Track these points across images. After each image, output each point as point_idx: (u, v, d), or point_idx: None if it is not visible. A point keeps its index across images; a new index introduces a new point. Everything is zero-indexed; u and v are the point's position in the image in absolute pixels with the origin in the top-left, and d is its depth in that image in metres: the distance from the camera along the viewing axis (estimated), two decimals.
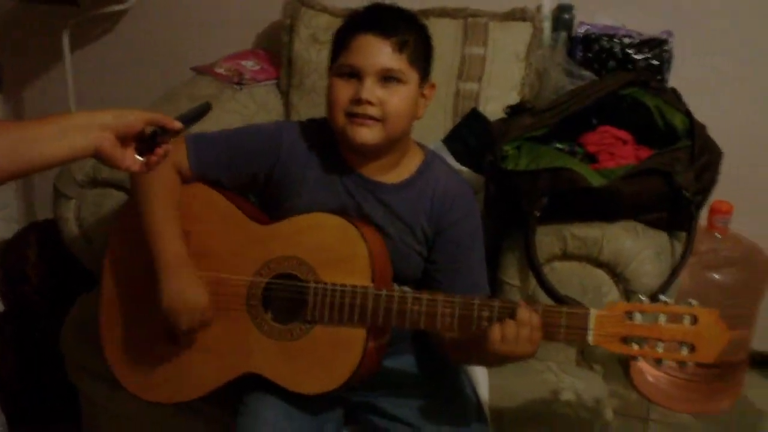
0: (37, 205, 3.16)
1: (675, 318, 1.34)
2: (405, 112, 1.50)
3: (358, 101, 1.48)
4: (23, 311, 2.29)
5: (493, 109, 2.17)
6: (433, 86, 1.58)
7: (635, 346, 1.35)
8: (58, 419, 2.30)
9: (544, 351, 1.78)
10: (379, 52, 1.47)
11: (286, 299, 1.54)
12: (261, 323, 1.55)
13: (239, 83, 2.42)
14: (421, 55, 1.52)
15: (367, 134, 1.49)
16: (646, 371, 2.51)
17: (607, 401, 1.74)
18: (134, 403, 1.66)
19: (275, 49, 2.55)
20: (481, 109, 2.22)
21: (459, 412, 1.60)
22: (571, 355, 1.79)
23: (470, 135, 2.11)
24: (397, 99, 1.49)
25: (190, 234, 1.58)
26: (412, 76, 1.50)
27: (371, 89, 1.47)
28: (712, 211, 2.31)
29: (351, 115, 1.49)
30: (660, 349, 1.35)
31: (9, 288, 2.29)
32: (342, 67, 1.51)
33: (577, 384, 1.72)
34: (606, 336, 1.36)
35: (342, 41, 1.52)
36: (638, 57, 2.15)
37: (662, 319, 1.35)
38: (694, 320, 1.34)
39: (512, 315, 1.38)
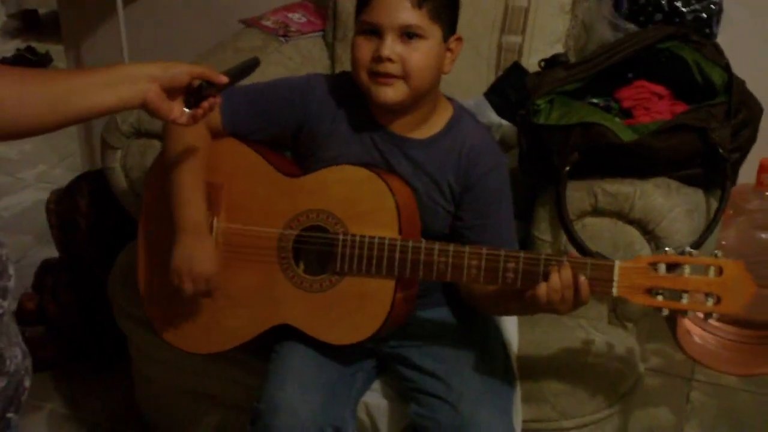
0: (98, 155, 3.23)
1: (700, 269, 1.34)
2: (427, 67, 1.50)
3: (378, 59, 1.48)
4: (76, 258, 2.36)
5: (537, 62, 2.13)
6: (459, 39, 1.57)
7: (659, 298, 1.35)
8: (112, 363, 2.39)
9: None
10: (399, 8, 1.47)
11: (316, 251, 1.57)
12: (292, 275, 1.58)
13: (285, 35, 2.44)
14: (444, 9, 1.51)
15: (390, 93, 1.50)
16: (693, 332, 2.49)
17: (638, 359, 1.73)
18: (174, 351, 1.71)
19: (323, 2, 2.55)
20: (524, 62, 2.20)
21: (486, 365, 1.62)
22: (603, 312, 1.78)
23: (511, 89, 2.10)
24: (418, 55, 1.48)
25: (222, 187, 1.61)
26: (434, 30, 1.50)
27: (391, 46, 1.47)
28: (762, 168, 2.25)
29: (374, 74, 1.50)
30: (685, 300, 1.35)
31: (62, 236, 2.36)
32: (363, 25, 1.51)
33: (607, 341, 1.71)
34: (630, 287, 1.36)
35: None
36: (685, 9, 2.09)
37: (687, 270, 1.34)
38: (720, 271, 1.34)
39: (547, 264, 1.40)
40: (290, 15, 2.56)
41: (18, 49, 4.85)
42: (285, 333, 1.61)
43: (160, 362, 2.00)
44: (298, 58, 2.38)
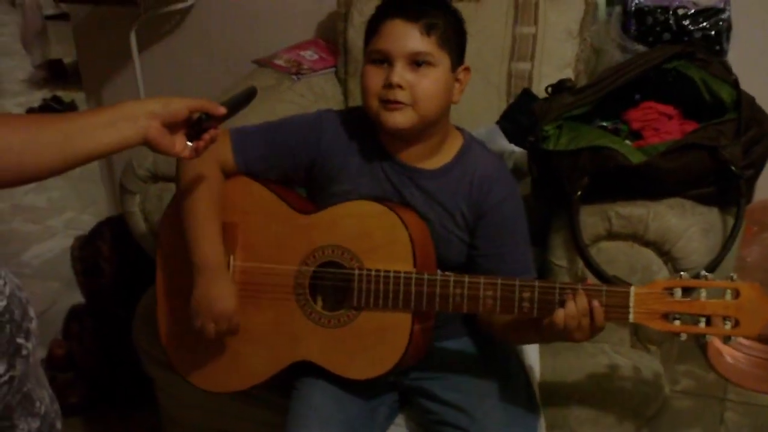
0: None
1: (716, 293, 1.33)
2: (436, 94, 1.51)
3: (388, 86, 1.49)
4: (101, 303, 2.39)
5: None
6: (467, 70, 1.58)
7: (677, 323, 1.35)
8: (139, 406, 2.40)
9: None
10: (408, 36, 1.48)
11: (333, 287, 1.58)
12: (309, 311, 1.59)
13: (297, 73, 2.47)
14: (452, 38, 1.52)
15: (399, 118, 1.50)
16: (724, 351, 2.46)
17: (663, 382, 1.72)
18: (197, 391, 1.71)
19: (334, 39, 2.58)
20: (534, 88, 2.21)
21: (509, 395, 1.61)
22: (626, 336, 1.77)
23: (522, 115, 2.10)
24: (427, 82, 1.49)
25: (237, 226, 1.63)
26: (443, 58, 1.51)
27: (401, 73, 1.49)
28: None
29: (384, 102, 1.51)
30: (702, 324, 1.34)
31: (87, 281, 2.39)
32: (373, 53, 1.53)
33: (630, 366, 1.70)
34: (646, 313, 1.36)
35: (373, 28, 1.54)
36: (693, 28, 2.09)
37: (703, 294, 1.34)
38: (736, 294, 1.33)
39: (563, 294, 1.40)
40: (302, 53, 2.59)
41: (44, 99, 4.95)
42: (305, 370, 1.62)
43: (185, 403, 2.01)
44: (311, 96, 2.41)
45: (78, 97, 4.75)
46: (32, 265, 3.33)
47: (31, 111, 4.89)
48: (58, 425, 1.22)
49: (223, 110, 1.34)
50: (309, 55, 2.59)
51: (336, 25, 2.51)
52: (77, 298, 2.61)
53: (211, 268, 1.57)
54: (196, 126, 1.33)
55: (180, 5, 2.79)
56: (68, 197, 3.80)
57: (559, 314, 1.39)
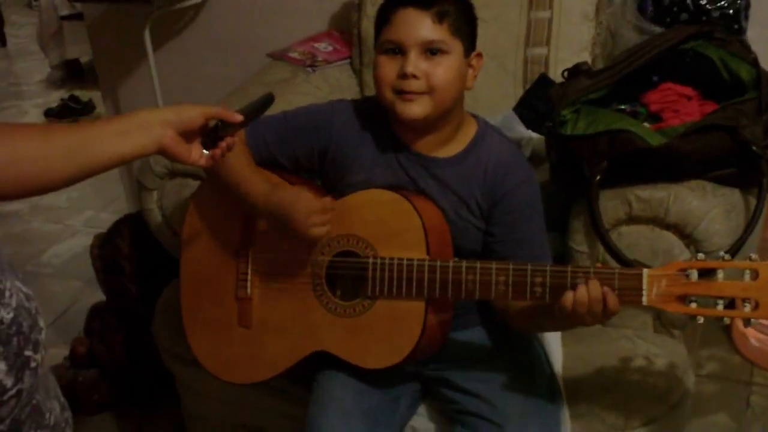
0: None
1: (734, 274, 1.29)
2: (451, 82, 1.49)
3: (403, 76, 1.48)
4: (121, 300, 2.39)
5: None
6: (479, 56, 1.56)
7: (693, 305, 1.31)
8: (162, 403, 2.41)
9: (619, 317, 1.73)
10: (420, 25, 1.47)
11: (349, 276, 1.57)
12: (326, 301, 1.58)
13: (312, 66, 2.46)
14: (463, 25, 1.51)
15: (416, 109, 1.49)
16: (749, 334, 2.43)
17: (687, 367, 1.69)
18: (220, 384, 1.72)
19: (348, 30, 2.57)
20: (551, 73, 2.19)
21: (531, 383, 1.60)
22: (648, 321, 1.75)
23: (540, 101, 2.08)
24: (441, 70, 1.48)
25: (252, 218, 1.62)
26: (456, 46, 1.49)
27: (415, 63, 1.47)
28: None
29: (398, 92, 1.50)
30: (720, 306, 1.30)
31: (107, 279, 2.40)
32: (385, 44, 1.51)
33: (654, 350, 1.68)
34: (661, 296, 1.33)
35: (384, 18, 1.53)
36: (711, 7, 2.05)
37: (721, 275, 1.30)
38: (755, 275, 1.29)
39: (575, 277, 1.37)
40: (316, 45, 2.58)
41: (62, 99, 4.97)
42: (325, 360, 1.61)
43: (208, 398, 2.01)
44: (327, 87, 2.40)
45: (95, 95, 4.77)
46: (53, 264, 3.36)
47: (49, 111, 4.92)
48: None
49: (239, 117, 1.31)
50: (323, 47, 2.57)
51: (350, 15, 2.50)
52: (98, 296, 2.62)
53: (277, 187, 1.56)
54: (212, 134, 1.31)
55: (193, 1, 2.78)
56: (88, 196, 3.82)
57: (568, 298, 1.36)
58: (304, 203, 1.52)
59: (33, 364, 1.08)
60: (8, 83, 5.83)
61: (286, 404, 1.82)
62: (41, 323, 1.11)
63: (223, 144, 1.33)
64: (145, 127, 1.22)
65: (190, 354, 1.75)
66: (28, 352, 1.07)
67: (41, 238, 3.57)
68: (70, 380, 2.40)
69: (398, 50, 1.49)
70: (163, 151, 1.25)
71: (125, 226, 2.37)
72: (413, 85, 1.48)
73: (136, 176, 2.07)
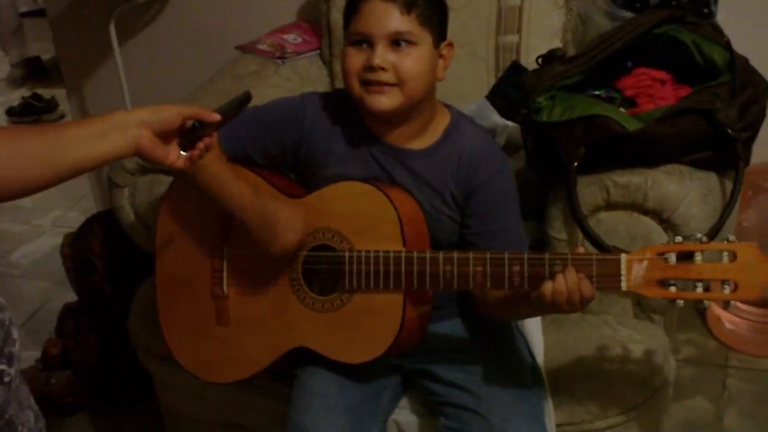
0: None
1: (712, 256, 1.29)
2: (421, 74, 1.48)
3: (370, 68, 1.46)
4: (95, 300, 2.35)
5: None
6: (450, 45, 1.54)
7: (672, 289, 1.31)
8: (139, 401, 2.37)
9: (599, 304, 1.74)
10: (387, 16, 1.45)
11: (327, 271, 1.55)
12: (303, 297, 1.56)
13: (281, 58, 2.43)
14: (433, 15, 1.49)
15: (385, 101, 1.47)
16: (724, 318, 2.45)
17: (668, 352, 1.69)
18: (199, 383, 1.69)
19: (317, 21, 2.55)
20: (523, 60, 2.18)
21: (514, 372, 1.59)
22: (628, 307, 1.75)
23: (512, 89, 2.07)
24: (410, 61, 1.46)
25: (228, 217, 1.60)
26: (425, 36, 1.47)
27: (382, 55, 1.45)
28: None
29: (366, 83, 1.48)
30: (700, 289, 1.30)
31: (79, 278, 2.36)
32: (353, 35, 1.49)
33: (634, 336, 1.68)
34: (640, 281, 1.32)
35: (352, 8, 1.50)
36: None
37: (699, 258, 1.30)
38: (733, 257, 1.29)
39: (553, 264, 1.36)
40: (285, 36, 2.55)
41: (23, 98, 4.88)
42: (305, 356, 1.60)
43: (187, 396, 1.98)
44: (297, 79, 2.38)
45: (58, 93, 4.69)
46: (22, 265, 3.30)
47: (11, 110, 4.84)
48: None
49: (217, 117, 1.28)
50: (292, 38, 2.55)
51: (318, 6, 2.47)
52: (69, 296, 2.58)
53: (255, 199, 1.53)
54: (189, 134, 1.27)
55: None
56: (54, 195, 3.74)
57: (547, 287, 1.35)
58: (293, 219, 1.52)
59: (6, 379, 1.05)
60: None
61: (267, 401, 1.80)
62: (15, 335, 1.08)
63: (201, 145, 1.29)
64: (121, 128, 1.19)
65: (167, 352, 1.72)
66: (1, 366, 1.04)
67: (9, 239, 3.51)
68: (42, 383, 2.36)
69: (366, 42, 1.47)
70: (140, 153, 1.22)
71: (96, 224, 2.33)
72: (381, 76, 1.46)
73: (107, 173, 2.04)
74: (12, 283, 3.15)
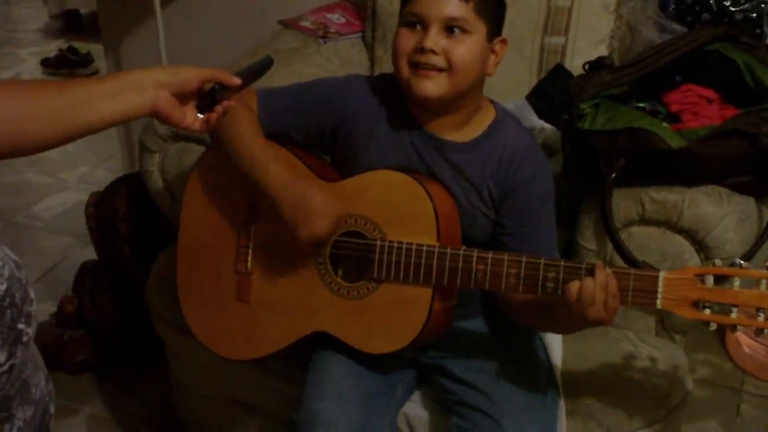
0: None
1: (751, 283, 1.28)
2: (471, 63, 1.46)
3: (421, 50, 1.44)
4: (115, 262, 2.35)
5: (581, 63, 2.08)
6: (504, 41, 1.53)
7: (707, 311, 1.30)
8: (150, 366, 2.38)
9: (622, 319, 1.73)
10: (444, 0, 1.43)
11: (354, 257, 1.54)
12: (329, 281, 1.55)
13: (323, 37, 2.41)
14: (491, 7, 1.47)
15: (431, 86, 1.45)
16: (743, 342, 2.42)
17: (686, 372, 1.67)
18: (211, 356, 1.69)
19: (362, 2, 2.53)
20: (567, 63, 2.16)
21: (530, 378, 1.58)
22: (651, 324, 1.73)
23: (554, 91, 2.05)
24: (462, 49, 1.44)
25: (259, 194, 1.59)
26: (479, 27, 1.45)
27: (435, 38, 1.43)
28: None
29: (415, 66, 1.46)
30: (734, 314, 1.29)
31: (101, 238, 2.36)
32: (407, 15, 1.48)
33: (654, 354, 1.66)
34: (676, 300, 1.31)
35: None
36: (734, 9, 2.03)
37: (737, 283, 1.29)
38: None
39: (589, 273, 1.34)
40: (329, 15, 2.53)
41: (60, 49, 4.89)
42: (323, 341, 1.59)
43: (198, 369, 1.98)
44: (337, 60, 2.36)
45: (94, 48, 4.68)
46: (43, 218, 3.30)
47: (46, 61, 4.85)
48: (52, 408, 1.17)
49: (237, 81, 1.27)
50: (336, 18, 2.53)
51: None
52: (88, 254, 2.59)
53: (290, 177, 1.52)
54: (208, 97, 1.26)
55: None
56: (82, 151, 3.76)
57: (575, 286, 1.34)
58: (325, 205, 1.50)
59: (25, 338, 1.04)
60: (5, 30, 5.72)
61: (278, 382, 1.79)
62: (32, 294, 1.08)
63: (219, 108, 1.28)
64: (138, 87, 1.18)
65: (183, 322, 1.72)
66: (20, 326, 1.03)
67: (33, 190, 3.51)
68: (55, 339, 2.37)
69: (420, 24, 1.46)
70: (156, 114, 1.20)
71: (123, 186, 2.33)
72: (432, 59, 1.44)
73: (139, 136, 2.03)
74: (32, 235, 3.15)
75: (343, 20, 2.52)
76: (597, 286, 1.32)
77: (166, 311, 1.94)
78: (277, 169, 1.51)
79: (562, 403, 1.60)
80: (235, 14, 2.82)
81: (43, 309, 2.55)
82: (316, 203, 1.50)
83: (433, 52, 1.44)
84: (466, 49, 1.45)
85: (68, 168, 3.68)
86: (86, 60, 4.80)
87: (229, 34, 2.81)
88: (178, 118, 1.23)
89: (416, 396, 1.68)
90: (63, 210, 3.36)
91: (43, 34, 5.52)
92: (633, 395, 1.62)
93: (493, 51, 1.51)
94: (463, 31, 1.44)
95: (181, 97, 1.23)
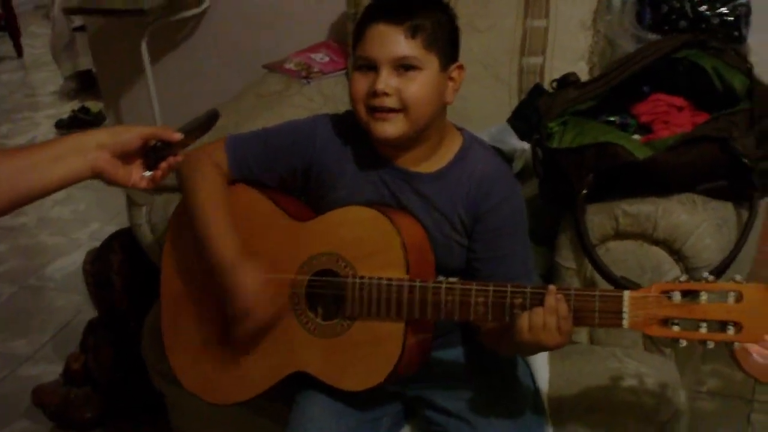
0: None
1: (718, 296, 1.25)
2: (425, 98, 1.45)
3: (374, 93, 1.44)
4: (113, 316, 2.37)
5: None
6: (460, 67, 1.51)
7: (675, 328, 1.27)
8: (152, 420, 2.37)
9: (608, 335, 1.70)
10: (391, 41, 1.43)
11: (328, 296, 1.53)
12: (305, 321, 1.54)
13: (307, 77, 2.43)
14: (441, 38, 1.46)
15: (389, 128, 1.45)
16: (752, 350, 2.35)
17: (678, 386, 1.63)
18: (203, 403, 1.67)
19: (346, 39, 2.54)
20: (547, 83, 2.14)
21: (514, 403, 1.56)
22: (638, 339, 1.69)
23: (533, 112, 2.04)
24: (415, 86, 1.44)
25: None
26: (430, 60, 1.45)
27: (386, 80, 1.43)
28: None
29: (372, 109, 1.46)
30: (704, 329, 1.26)
31: (99, 294, 2.38)
32: (358, 60, 1.48)
33: (642, 369, 1.62)
34: (643, 319, 1.28)
35: (358, 33, 1.49)
36: (710, 14, 2.00)
37: (705, 297, 1.26)
38: (739, 297, 1.25)
39: (542, 302, 1.33)
40: (313, 56, 2.55)
41: (73, 111, 4.97)
42: (306, 381, 1.57)
43: (195, 417, 1.98)
44: (320, 99, 2.37)
45: None
46: (55, 278, 3.34)
47: (59, 123, 4.94)
48: None
49: (177, 136, 1.28)
50: (320, 57, 2.55)
51: (346, 26, 2.47)
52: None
53: (239, 260, 1.51)
54: (151, 154, 1.28)
55: (190, 12, 2.77)
56: (93, 209, 3.81)
57: (524, 317, 1.33)
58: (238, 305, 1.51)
59: None
60: (23, 94, 5.84)
61: (270, 423, 1.78)
62: None
63: (164, 164, 1.29)
64: (79, 151, 1.20)
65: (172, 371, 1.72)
66: None
67: (47, 251, 3.56)
68: (62, 398, 2.38)
69: (371, 67, 1.45)
70: (98, 175, 1.22)
71: (116, 241, 2.34)
72: (385, 101, 1.44)
73: (125, 191, 2.05)
74: (46, 296, 3.19)
75: (327, 59, 2.54)
76: (546, 312, 1.32)
77: (159, 363, 1.94)
78: (223, 251, 1.51)
79: (549, 426, 1.58)
80: (224, 61, 2.89)
81: (55, 369, 2.56)
82: (248, 298, 1.49)
83: (385, 94, 1.44)
84: (418, 86, 1.44)
85: (80, 227, 3.72)
86: (98, 118, 4.87)
87: (217, 81, 2.87)
88: (122, 177, 1.25)
89: (405, 430, 1.66)
90: (75, 269, 3.36)
91: (58, 96, 5.61)
92: (622, 413, 1.60)
93: (450, 78, 1.50)
94: (414, 68, 1.44)
95: (125, 157, 1.25)
